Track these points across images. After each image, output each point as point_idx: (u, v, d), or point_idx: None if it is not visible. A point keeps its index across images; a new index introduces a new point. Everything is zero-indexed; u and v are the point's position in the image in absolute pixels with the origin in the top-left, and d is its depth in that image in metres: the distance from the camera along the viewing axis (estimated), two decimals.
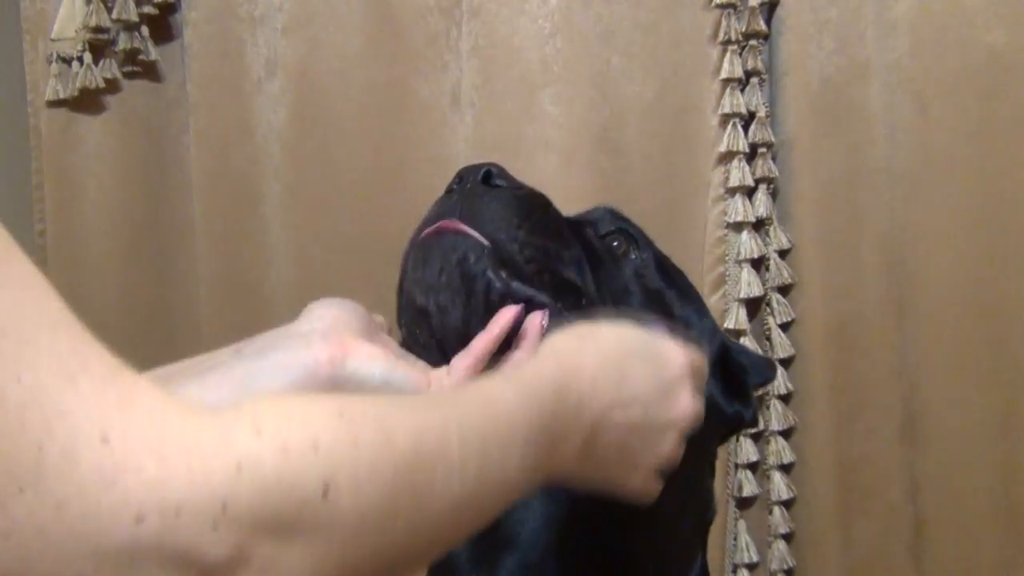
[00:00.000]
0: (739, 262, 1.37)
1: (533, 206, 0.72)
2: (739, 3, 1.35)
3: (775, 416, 1.37)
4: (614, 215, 0.83)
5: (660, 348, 0.61)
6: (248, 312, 1.46)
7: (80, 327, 0.37)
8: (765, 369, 0.91)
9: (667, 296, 0.80)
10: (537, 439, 0.50)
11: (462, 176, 0.73)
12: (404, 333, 0.72)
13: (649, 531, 0.67)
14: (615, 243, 0.79)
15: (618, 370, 0.57)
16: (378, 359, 0.59)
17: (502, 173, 0.72)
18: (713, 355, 0.81)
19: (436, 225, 0.69)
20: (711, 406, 0.79)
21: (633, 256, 0.80)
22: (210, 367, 0.58)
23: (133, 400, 0.36)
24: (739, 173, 1.36)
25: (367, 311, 0.66)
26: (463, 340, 0.65)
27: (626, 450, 0.58)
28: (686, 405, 0.61)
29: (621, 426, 0.57)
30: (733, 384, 0.83)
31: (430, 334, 0.68)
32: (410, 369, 0.61)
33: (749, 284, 1.37)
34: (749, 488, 1.39)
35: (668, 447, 0.61)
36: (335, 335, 0.59)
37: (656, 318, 0.68)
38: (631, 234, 0.81)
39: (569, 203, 0.80)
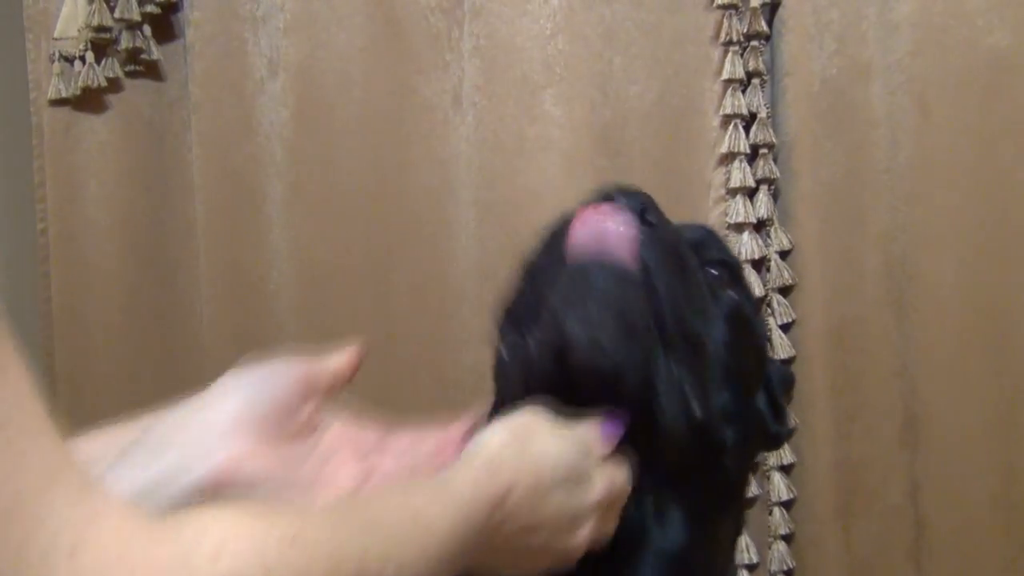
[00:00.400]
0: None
1: (687, 260, 0.69)
2: (741, 4, 1.35)
3: None
4: (716, 239, 0.80)
5: (586, 475, 0.62)
6: (250, 312, 1.46)
7: (58, 435, 0.38)
8: (787, 380, 0.91)
9: (754, 324, 0.80)
10: (458, 558, 0.54)
11: (611, 197, 0.69)
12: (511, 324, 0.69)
13: (698, 548, 0.70)
14: (716, 272, 0.75)
15: (541, 497, 0.59)
16: (262, 485, 0.58)
17: (654, 207, 0.70)
18: (766, 378, 0.82)
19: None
20: (760, 424, 0.80)
21: (731, 291, 0.76)
22: (120, 458, 0.57)
23: (101, 516, 0.38)
24: (740, 174, 1.36)
25: (299, 372, 0.62)
26: (595, 387, 0.64)
27: (516, 561, 0.61)
28: (585, 537, 0.63)
29: (522, 545, 0.60)
30: (775, 405, 0.84)
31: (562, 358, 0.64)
32: (296, 497, 0.60)
33: (750, 285, 1.37)
34: (749, 489, 1.39)
35: (554, 563, 0.63)
36: (230, 444, 0.58)
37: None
38: (731, 264, 0.78)
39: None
